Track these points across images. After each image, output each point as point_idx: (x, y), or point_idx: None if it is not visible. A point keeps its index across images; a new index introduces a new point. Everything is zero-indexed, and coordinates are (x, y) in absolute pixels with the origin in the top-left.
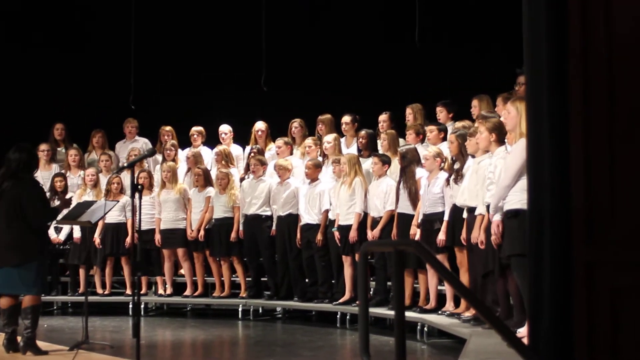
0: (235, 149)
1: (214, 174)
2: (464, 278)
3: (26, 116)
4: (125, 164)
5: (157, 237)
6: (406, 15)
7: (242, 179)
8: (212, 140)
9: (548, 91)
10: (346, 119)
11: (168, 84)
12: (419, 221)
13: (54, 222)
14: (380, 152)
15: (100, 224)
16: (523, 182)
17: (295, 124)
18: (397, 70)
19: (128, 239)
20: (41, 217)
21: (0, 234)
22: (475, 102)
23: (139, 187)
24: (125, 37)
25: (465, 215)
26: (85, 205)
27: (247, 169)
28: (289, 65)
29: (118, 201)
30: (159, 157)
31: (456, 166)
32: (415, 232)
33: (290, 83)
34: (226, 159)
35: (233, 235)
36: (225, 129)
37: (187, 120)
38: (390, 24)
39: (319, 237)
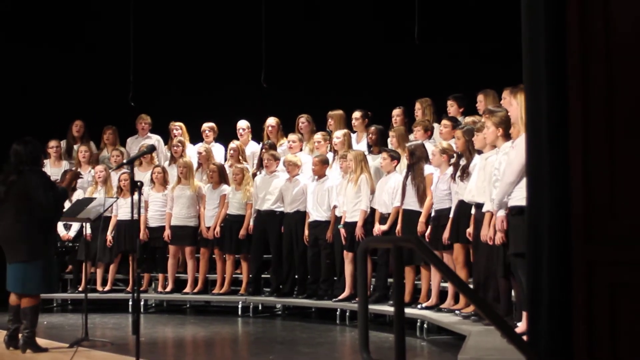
0: (252, 146)
1: (227, 170)
2: (461, 274)
3: (37, 114)
4: (124, 161)
5: (167, 232)
6: (408, 10)
7: (254, 175)
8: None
9: (547, 89)
10: (356, 114)
11: (172, 81)
12: (431, 217)
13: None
14: (390, 147)
15: (112, 221)
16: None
17: (302, 119)
18: (401, 66)
19: (141, 235)
20: (51, 204)
21: (9, 229)
22: (480, 97)
23: (139, 183)
24: (125, 34)
25: (473, 211)
26: (84, 202)
27: (260, 164)
28: (289, 62)
29: (118, 198)
30: (168, 153)
31: (462, 162)
32: (423, 229)
33: (291, 80)
34: (242, 154)
35: (242, 232)
36: (243, 124)
37: (192, 116)
38: (392, 19)
39: (329, 234)
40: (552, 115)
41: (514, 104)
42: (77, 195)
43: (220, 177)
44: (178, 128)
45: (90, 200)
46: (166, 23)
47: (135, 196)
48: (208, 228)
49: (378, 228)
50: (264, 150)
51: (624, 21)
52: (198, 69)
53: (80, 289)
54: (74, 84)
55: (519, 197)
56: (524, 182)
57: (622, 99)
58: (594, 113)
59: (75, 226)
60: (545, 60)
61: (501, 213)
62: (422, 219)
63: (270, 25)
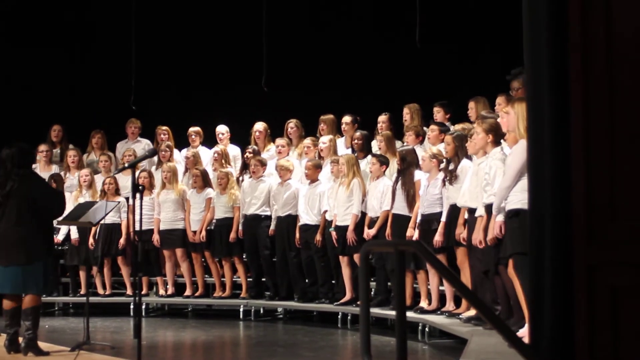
0: (233, 149)
1: (211, 174)
2: (465, 278)
3: (26, 117)
4: (125, 164)
5: (156, 237)
6: (406, 15)
7: (237, 179)
8: (209, 140)
9: (549, 91)
10: (346, 119)
11: (169, 85)
12: (418, 222)
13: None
14: (377, 153)
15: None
16: (523, 182)
17: (291, 124)
18: (398, 71)
19: (122, 240)
20: (59, 209)
21: (8, 232)
22: (471, 104)
23: (140, 187)
24: (126, 37)
25: (466, 216)
26: (86, 206)
27: (243, 168)
28: (289, 65)
29: (119, 202)
30: (155, 158)
31: (450, 167)
32: (412, 234)
33: (291, 83)
34: (226, 158)
35: (232, 235)
36: (222, 129)
37: (189, 120)
38: (391, 24)
39: (318, 237)
40: (553, 118)
41: (512, 113)
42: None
43: (203, 181)
44: (165, 132)
45: (91, 204)
46: (167, 28)
47: (133, 199)
48: (194, 232)
49: (367, 233)
50: (249, 156)
51: (625, 24)
52: (199, 73)
53: (81, 292)
54: (71, 87)
55: (515, 200)
56: (518, 185)
57: (623, 102)
58: (595, 115)
59: (64, 229)
60: (547, 62)
61: (500, 218)
62: (411, 223)
63: (271, 29)
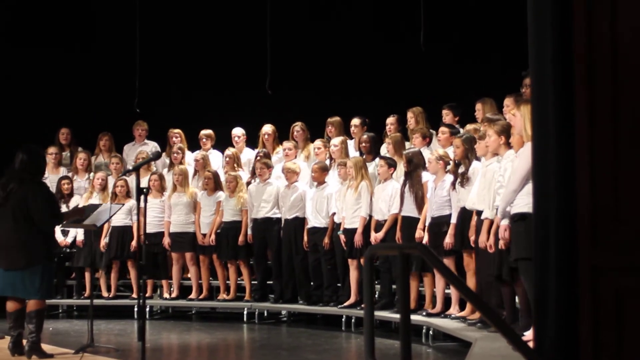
0: (248, 153)
1: (223, 177)
2: (471, 281)
3: (32, 119)
4: (131, 167)
5: (166, 240)
6: (412, 18)
7: (248, 183)
8: (217, 143)
9: (553, 95)
10: (355, 121)
11: (173, 87)
12: (427, 224)
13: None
14: (386, 155)
15: (105, 227)
16: (530, 186)
17: (297, 127)
18: (403, 73)
19: (133, 242)
20: (46, 221)
21: (7, 236)
22: (478, 106)
23: (144, 190)
24: (131, 39)
25: (474, 218)
26: (90, 209)
27: (253, 172)
28: (293, 68)
29: (123, 204)
30: (167, 160)
31: (461, 169)
32: (422, 236)
33: (295, 86)
34: (237, 162)
35: (241, 239)
36: (238, 132)
37: (192, 123)
38: (395, 27)
39: (326, 240)
40: (558, 120)
41: (518, 115)
42: (74, 201)
43: (215, 184)
44: (177, 135)
45: (96, 206)
46: (171, 31)
47: (135, 202)
48: (204, 235)
49: (374, 236)
50: (257, 159)
51: (630, 27)
52: (203, 75)
53: (85, 295)
54: (76, 89)
55: (521, 204)
56: (525, 189)
57: (627, 105)
58: (599, 118)
59: (73, 232)
60: (552, 66)
61: (505, 222)
62: (420, 225)
63: (275, 32)
